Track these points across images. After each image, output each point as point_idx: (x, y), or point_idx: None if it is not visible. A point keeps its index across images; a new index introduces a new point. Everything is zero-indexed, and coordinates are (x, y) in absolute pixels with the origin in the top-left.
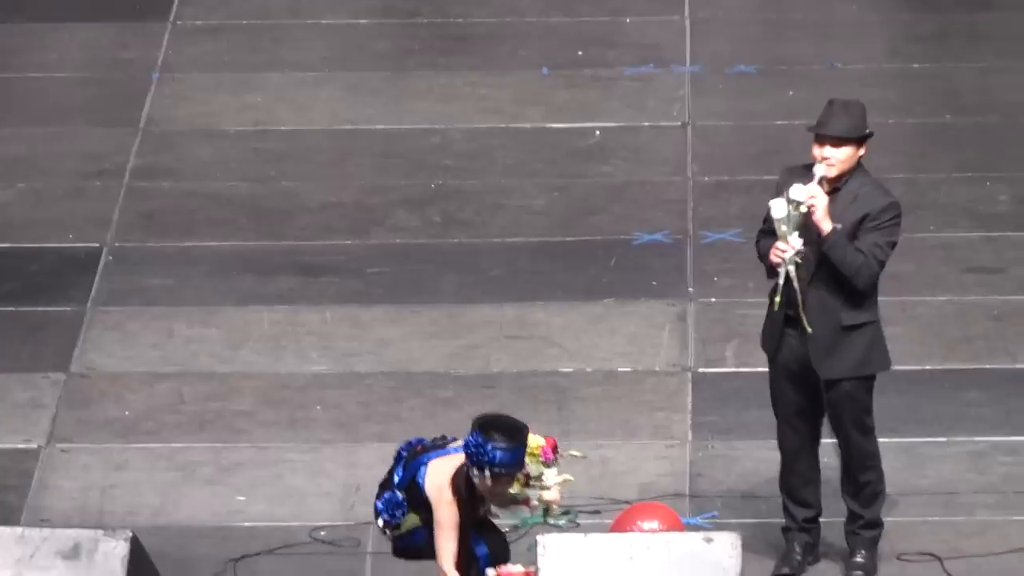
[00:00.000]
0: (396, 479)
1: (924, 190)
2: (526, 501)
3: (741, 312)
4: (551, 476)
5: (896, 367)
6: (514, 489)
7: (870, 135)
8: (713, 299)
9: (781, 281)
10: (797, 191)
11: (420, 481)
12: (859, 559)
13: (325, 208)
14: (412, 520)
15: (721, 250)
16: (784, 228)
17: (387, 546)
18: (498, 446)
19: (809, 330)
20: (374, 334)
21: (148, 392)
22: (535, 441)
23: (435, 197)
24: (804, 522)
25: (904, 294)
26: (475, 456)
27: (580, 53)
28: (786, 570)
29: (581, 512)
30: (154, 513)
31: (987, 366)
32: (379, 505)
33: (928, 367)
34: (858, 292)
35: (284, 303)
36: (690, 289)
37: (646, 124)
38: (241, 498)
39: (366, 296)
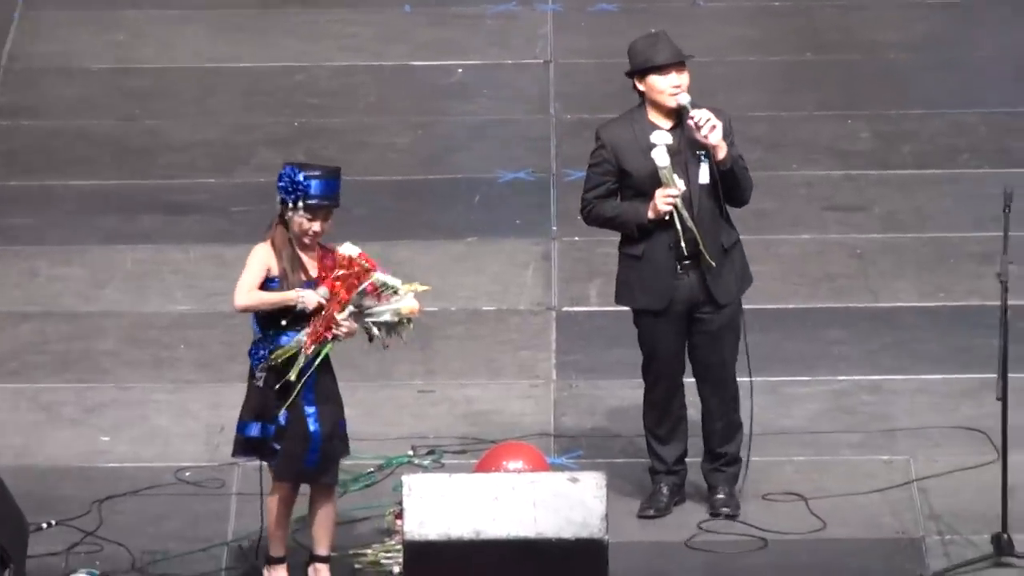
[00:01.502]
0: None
1: (786, 128)
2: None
3: (604, 251)
4: (403, 288)
5: (759, 305)
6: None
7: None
8: (577, 237)
9: (679, 224)
10: (663, 136)
11: None
12: (722, 495)
13: (189, 147)
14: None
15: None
16: (668, 175)
17: (252, 487)
18: (311, 174)
19: (712, 264)
20: (238, 273)
21: (12, 332)
22: (351, 250)
23: (299, 135)
24: (673, 464)
25: (767, 232)
26: (288, 188)
27: None
28: (652, 511)
29: (446, 452)
30: (17, 454)
31: (849, 305)
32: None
33: (791, 305)
34: (726, 212)
35: (148, 242)
36: (554, 228)
37: (509, 62)
38: (106, 438)
39: (230, 235)
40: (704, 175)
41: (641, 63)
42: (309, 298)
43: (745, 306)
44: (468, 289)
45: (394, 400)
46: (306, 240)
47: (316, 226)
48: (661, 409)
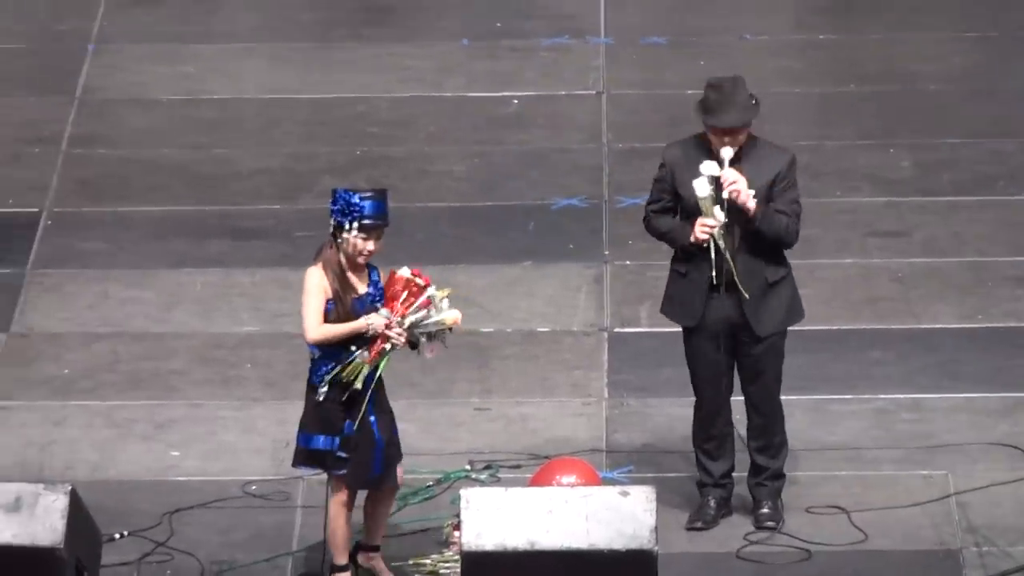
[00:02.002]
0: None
1: (829, 157)
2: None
3: (654, 274)
4: (439, 295)
5: (804, 327)
6: (416, 320)
7: (757, 106)
8: (628, 261)
9: (713, 254)
10: (710, 167)
11: None
12: (766, 509)
13: (255, 174)
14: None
15: (635, 214)
16: (708, 205)
17: (316, 500)
18: (365, 196)
19: (747, 296)
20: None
21: (85, 352)
22: (406, 272)
23: (360, 164)
24: (720, 478)
25: (811, 257)
26: (344, 211)
27: (498, 24)
28: (700, 524)
29: (502, 467)
30: (92, 468)
31: (890, 326)
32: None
33: (835, 327)
34: (778, 250)
35: (216, 265)
36: (606, 252)
37: (562, 93)
38: (175, 453)
39: (294, 259)
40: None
41: (703, 112)
42: (377, 323)
43: (790, 328)
44: (523, 311)
45: (452, 417)
46: (360, 260)
47: (371, 245)
48: (706, 424)
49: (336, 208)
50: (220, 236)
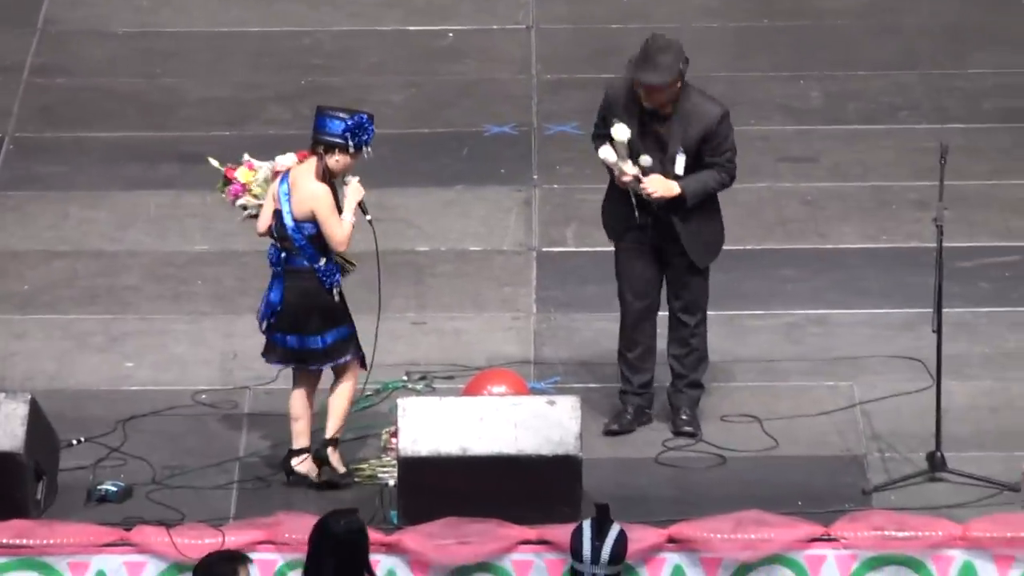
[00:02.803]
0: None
1: (743, 88)
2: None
3: (580, 197)
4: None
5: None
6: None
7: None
8: (555, 185)
9: (633, 198)
10: (619, 132)
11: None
12: (684, 417)
13: (205, 102)
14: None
15: (562, 141)
16: (620, 165)
17: (263, 408)
18: (370, 118)
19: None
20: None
21: (45, 269)
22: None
23: (304, 93)
24: (639, 387)
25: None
26: (359, 135)
27: None
28: (615, 427)
29: (437, 378)
30: (50, 378)
31: (800, 246)
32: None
33: (748, 247)
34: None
35: (168, 188)
36: (534, 176)
37: (495, 27)
38: (129, 364)
39: None
40: (679, 167)
41: (631, 64)
42: (359, 189)
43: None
44: (456, 232)
45: (389, 331)
46: (347, 178)
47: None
48: (629, 335)
49: (355, 130)
50: (171, 160)
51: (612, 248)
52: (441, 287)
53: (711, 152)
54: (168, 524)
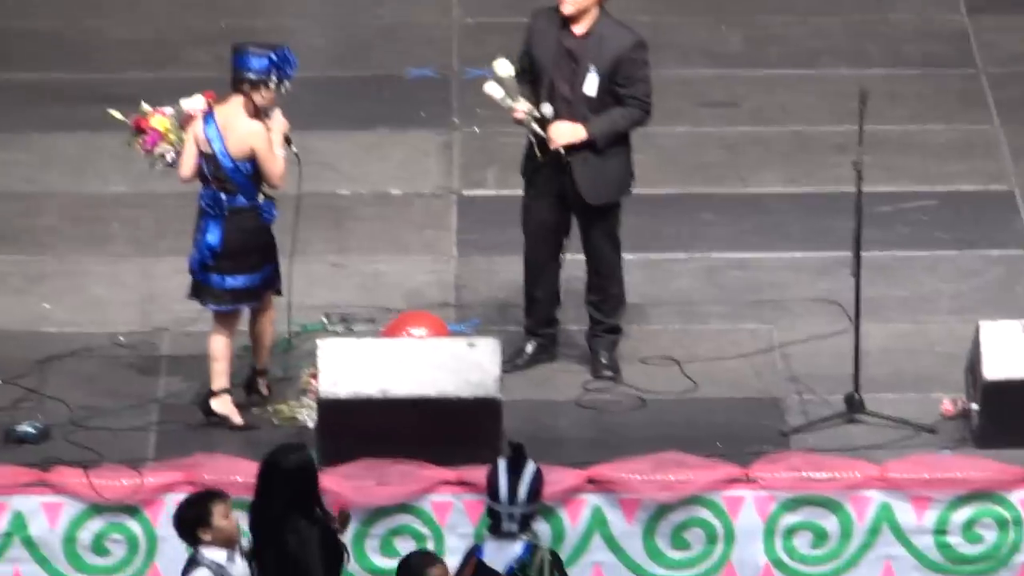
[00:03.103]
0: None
1: (665, 31)
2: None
3: (501, 141)
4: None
5: (640, 191)
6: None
7: None
8: (476, 129)
9: (532, 137)
10: (501, 67)
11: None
12: (604, 360)
13: (124, 44)
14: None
15: (482, 84)
16: (508, 102)
17: (181, 350)
18: (291, 53)
19: (569, 161)
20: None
21: None
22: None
23: (225, 35)
24: (541, 326)
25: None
26: (283, 68)
27: None
28: (511, 365)
29: (357, 320)
30: None
31: (720, 190)
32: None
33: (669, 191)
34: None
35: (86, 129)
36: (455, 120)
37: None
38: (47, 306)
39: None
40: (591, 87)
41: None
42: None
43: (632, 191)
44: (377, 175)
45: (309, 273)
46: (271, 112)
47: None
48: (532, 277)
49: (277, 64)
50: (91, 102)
51: None
52: (362, 230)
53: (624, 82)
54: (86, 465)
